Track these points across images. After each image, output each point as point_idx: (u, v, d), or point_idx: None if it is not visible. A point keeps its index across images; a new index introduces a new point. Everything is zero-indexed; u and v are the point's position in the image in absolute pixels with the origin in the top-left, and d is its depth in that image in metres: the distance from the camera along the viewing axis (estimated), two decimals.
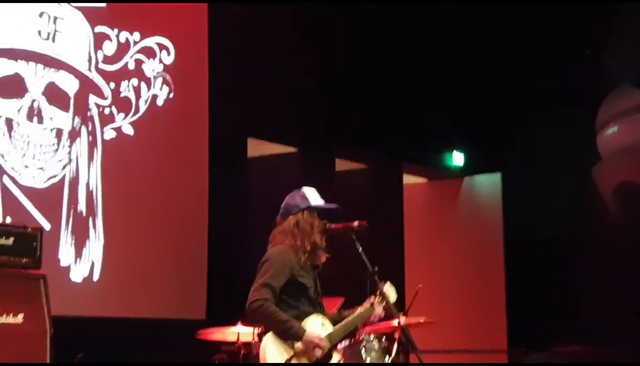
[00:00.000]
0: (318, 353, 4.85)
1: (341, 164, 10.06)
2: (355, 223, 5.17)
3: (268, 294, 4.80)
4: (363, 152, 10.29)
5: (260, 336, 4.92)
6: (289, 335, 4.81)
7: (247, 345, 6.34)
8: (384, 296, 5.14)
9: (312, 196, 5.16)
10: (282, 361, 4.77)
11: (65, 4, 7.26)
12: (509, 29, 10.41)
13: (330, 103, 9.53)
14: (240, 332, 6.31)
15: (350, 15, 9.73)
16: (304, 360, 4.83)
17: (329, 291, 5.18)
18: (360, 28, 9.81)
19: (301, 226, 5.05)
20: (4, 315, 5.38)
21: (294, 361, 4.80)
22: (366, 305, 5.19)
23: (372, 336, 5.75)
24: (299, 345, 4.83)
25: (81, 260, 7.20)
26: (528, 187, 10.66)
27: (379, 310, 5.18)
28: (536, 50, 10.45)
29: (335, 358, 5.02)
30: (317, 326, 4.95)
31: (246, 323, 6.42)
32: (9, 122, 6.84)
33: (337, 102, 9.62)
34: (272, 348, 4.78)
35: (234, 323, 6.36)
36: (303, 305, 4.98)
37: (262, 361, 4.76)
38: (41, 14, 7.10)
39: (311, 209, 5.12)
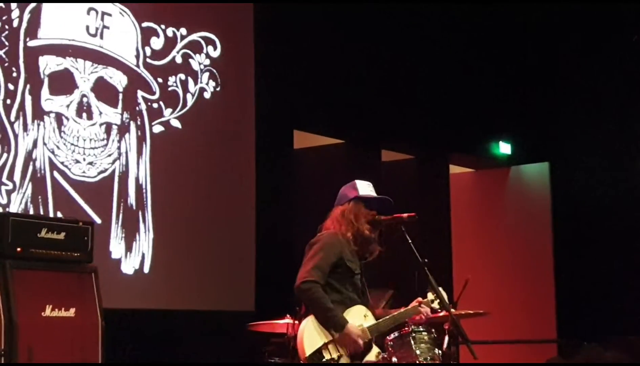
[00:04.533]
0: (356, 346, 4.85)
1: (387, 155, 10.04)
2: (405, 215, 5.18)
3: (318, 277, 4.86)
4: (409, 143, 10.26)
5: (300, 318, 4.94)
6: (330, 323, 4.83)
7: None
8: (438, 295, 5.12)
9: (363, 188, 5.18)
10: (317, 344, 4.79)
11: (111, 3, 7.33)
12: (555, 16, 10.31)
13: (376, 94, 9.51)
14: (290, 323, 6.31)
15: (394, 6, 9.69)
16: (341, 349, 4.84)
17: (378, 284, 5.18)
18: (404, 19, 9.77)
19: (345, 215, 5.10)
20: (57, 309, 5.45)
21: (330, 347, 4.81)
22: (413, 304, 5.20)
23: (421, 327, 5.75)
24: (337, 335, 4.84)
25: (131, 253, 7.27)
26: (576, 176, 10.55)
27: (426, 309, 5.17)
28: (583, 37, 10.33)
29: (374, 351, 5.02)
30: (359, 317, 4.97)
31: (294, 316, 6.44)
32: (58, 118, 6.92)
33: (383, 93, 9.59)
34: (310, 331, 4.80)
35: (282, 315, 6.38)
36: (348, 290, 5.01)
37: (298, 342, 4.78)
38: (89, 11, 7.17)
39: (359, 199, 5.14)
